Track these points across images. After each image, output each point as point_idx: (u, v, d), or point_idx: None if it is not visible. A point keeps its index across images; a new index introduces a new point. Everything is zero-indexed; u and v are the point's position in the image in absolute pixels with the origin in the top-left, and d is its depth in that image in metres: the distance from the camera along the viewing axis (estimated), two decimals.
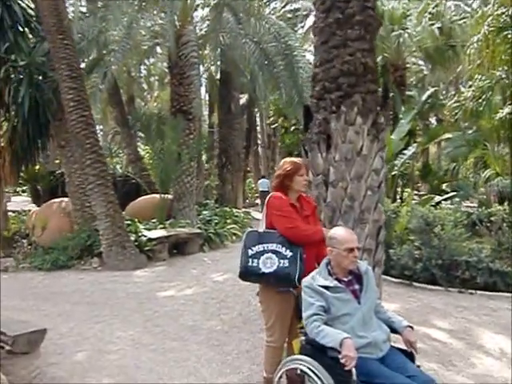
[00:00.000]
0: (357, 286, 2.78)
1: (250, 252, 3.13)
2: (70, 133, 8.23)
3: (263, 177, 19.86)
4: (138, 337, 4.77)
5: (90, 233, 8.35)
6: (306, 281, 2.81)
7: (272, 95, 15.77)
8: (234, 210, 12.63)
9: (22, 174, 13.24)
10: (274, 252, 3.09)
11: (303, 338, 2.81)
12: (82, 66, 10.22)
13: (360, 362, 2.40)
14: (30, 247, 8.73)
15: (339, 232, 2.85)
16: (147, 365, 4.11)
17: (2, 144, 8.86)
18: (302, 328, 2.90)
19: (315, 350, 2.66)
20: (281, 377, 2.90)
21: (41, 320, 5.23)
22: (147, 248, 8.40)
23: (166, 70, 16.07)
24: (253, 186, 23.61)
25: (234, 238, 10.46)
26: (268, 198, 3.27)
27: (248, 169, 23.74)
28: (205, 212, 11.43)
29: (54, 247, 8.24)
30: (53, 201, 10.08)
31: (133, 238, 8.39)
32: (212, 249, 9.58)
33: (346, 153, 3.91)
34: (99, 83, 11.45)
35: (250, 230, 3.33)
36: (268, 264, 3.06)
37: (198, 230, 9.58)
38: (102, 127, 31.60)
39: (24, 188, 18.57)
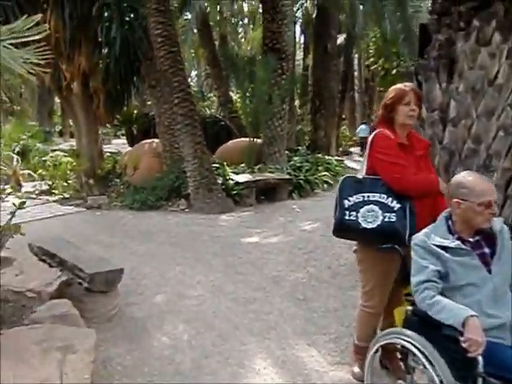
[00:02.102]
0: (486, 250, 2.12)
1: (347, 203, 2.55)
2: (159, 71, 8.02)
3: (364, 123, 19.33)
4: (218, 283, 4.54)
5: (177, 174, 8.27)
6: (417, 238, 2.21)
7: (373, 33, 14.33)
8: (327, 157, 11.91)
9: (118, 117, 13.65)
10: (377, 203, 2.49)
11: (409, 307, 2.25)
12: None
13: (488, 349, 1.81)
14: (122, 186, 8.95)
15: (473, 180, 2.13)
16: (226, 314, 3.86)
17: (96, 84, 8.93)
18: (407, 295, 2.35)
19: (424, 324, 2.11)
20: (377, 351, 2.40)
21: (126, 258, 5.25)
22: (234, 192, 8.15)
23: (259, 9, 15.24)
24: (347, 133, 22.45)
25: (325, 185, 9.86)
26: (372, 135, 2.63)
27: (343, 116, 22.53)
28: (295, 158, 10.85)
29: (144, 187, 8.30)
30: (144, 141, 10.19)
31: (220, 182, 8.18)
32: (301, 196, 9.09)
33: (475, 82, 3.09)
34: (191, 22, 11.18)
35: (346, 175, 2.72)
36: (369, 218, 2.47)
37: (288, 176, 9.11)
38: (196, 72, 31.93)
39: (123, 131, 19.38)
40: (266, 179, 8.62)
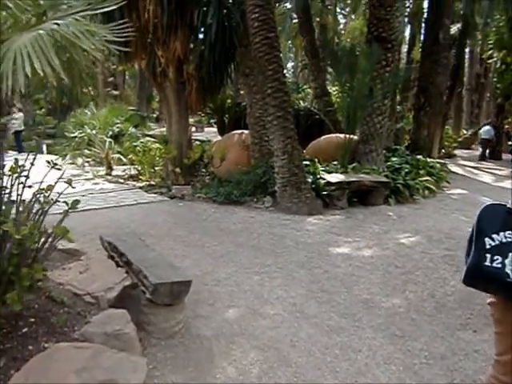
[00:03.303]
0: None
1: (490, 243, 1.78)
2: (254, 58, 7.53)
3: (489, 123, 17.99)
4: (299, 302, 3.94)
5: (265, 169, 7.76)
6: None
7: (496, 22, 12.60)
8: (429, 159, 10.69)
9: (211, 105, 13.48)
10: None
11: None
12: None
13: None
14: (208, 177, 8.66)
15: None
16: (305, 344, 3.26)
17: (190, 70, 8.69)
18: None
19: None
20: None
21: (202, 259, 4.89)
22: (325, 193, 7.45)
23: None
24: (451, 134, 20.50)
25: (426, 192, 8.77)
26: None
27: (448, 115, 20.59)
28: (394, 159, 9.83)
29: (229, 180, 7.92)
30: (234, 132, 9.81)
31: (310, 180, 7.53)
32: (399, 202, 8.12)
33: None
34: (291, 10, 10.60)
35: (489, 203, 1.91)
36: None
37: (385, 179, 8.18)
38: (292, 64, 31.44)
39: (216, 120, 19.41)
40: (361, 181, 7.79)
